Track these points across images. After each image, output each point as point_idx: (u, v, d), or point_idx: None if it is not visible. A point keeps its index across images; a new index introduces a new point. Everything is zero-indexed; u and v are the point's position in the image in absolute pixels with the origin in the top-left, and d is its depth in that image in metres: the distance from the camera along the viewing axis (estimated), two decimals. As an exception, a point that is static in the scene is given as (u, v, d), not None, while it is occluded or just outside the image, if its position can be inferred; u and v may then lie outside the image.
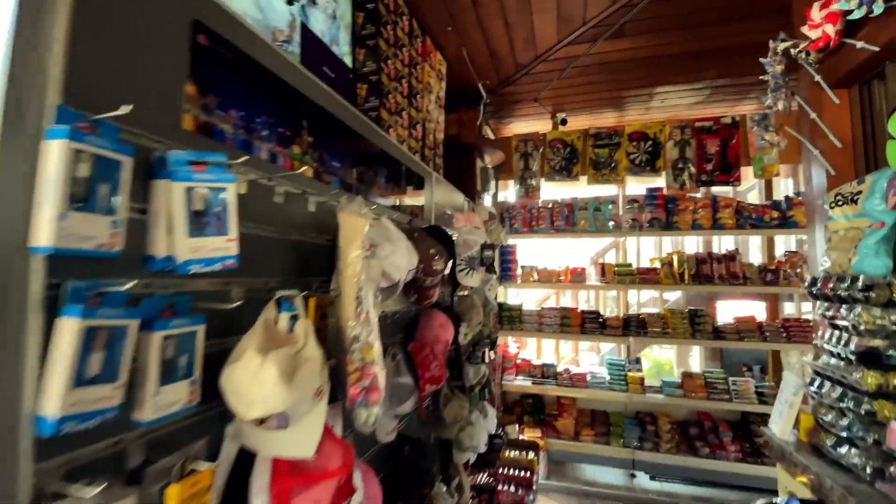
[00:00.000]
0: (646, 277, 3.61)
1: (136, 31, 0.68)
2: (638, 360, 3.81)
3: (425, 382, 1.59)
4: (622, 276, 3.65)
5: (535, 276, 3.92)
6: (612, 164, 3.73)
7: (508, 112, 3.83)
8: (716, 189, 3.79)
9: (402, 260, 1.30)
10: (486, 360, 2.63)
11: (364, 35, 1.89)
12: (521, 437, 3.53)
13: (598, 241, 4.42)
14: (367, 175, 1.81)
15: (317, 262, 1.14)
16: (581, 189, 4.07)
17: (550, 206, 3.88)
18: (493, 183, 3.72)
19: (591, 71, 3.12)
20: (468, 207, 2.74)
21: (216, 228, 0.70)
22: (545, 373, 3.85)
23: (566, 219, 3.82)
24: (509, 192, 4.32)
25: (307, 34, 1.47)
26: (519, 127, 4.17)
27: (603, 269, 3.73)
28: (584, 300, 4.78)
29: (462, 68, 2.96)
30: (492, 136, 4.17)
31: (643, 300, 4.88)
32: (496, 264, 2.59)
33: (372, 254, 1.14)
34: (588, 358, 4.96)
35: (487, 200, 3.56)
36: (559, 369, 3.82)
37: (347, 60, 1.76)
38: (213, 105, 1.02)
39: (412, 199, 2.26)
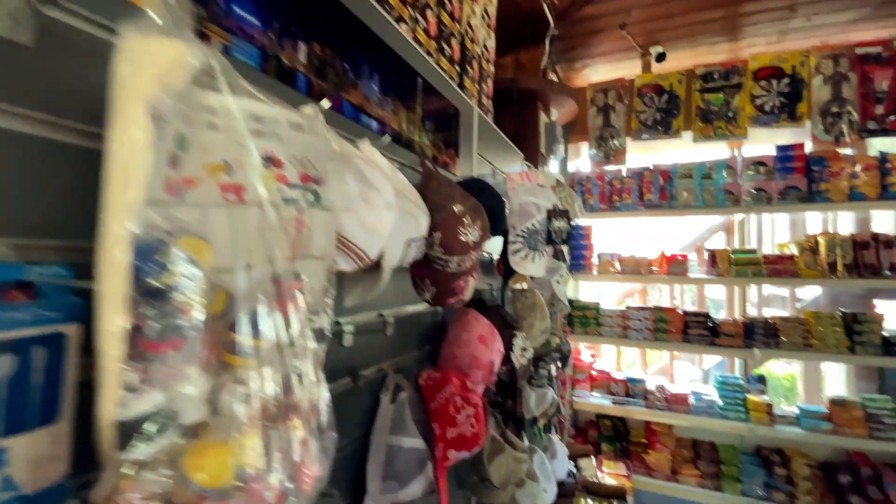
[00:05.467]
0: (777, 268, 2.63)
1: None
2: (761, 380, 2.83)
3: (448, 447, 0.89)
4: (741, 265, 2.69)
5: (617, 266, 3.05)
6: (730, 114, 2.77)
7: (584, 51, 2.97)
8: (885, 142, 2.68)
9: (382, 217, 0.62)
10: (555, 381, 1.88)
11: None
12: (599, 473, 2.73)
13: (704, 221, 3.43)
14: (335, 63, 0.94)
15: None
16: (683, 150, 3.13)
17: (639, 174, 2.99)
18: (561, 146, 2.90)
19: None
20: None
21: None
22: (631, 390, 3.00)
23: (661, 191, 2.91)
24: (583, 160, 3.47)
25: None
26: (597, 73, 3.29)
27: (714, 258, 2.78)
28: (668, 298, 3.75)
29: (521, -17, 2.19)
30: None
31: (755, 299, 3.76)
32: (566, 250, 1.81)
33: (315, 197, 0.48)
34: (684, 370, 3.97)
35: (554, 167, 2.75)
36: (649, 386, 2.95)
37: None
38: None
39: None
